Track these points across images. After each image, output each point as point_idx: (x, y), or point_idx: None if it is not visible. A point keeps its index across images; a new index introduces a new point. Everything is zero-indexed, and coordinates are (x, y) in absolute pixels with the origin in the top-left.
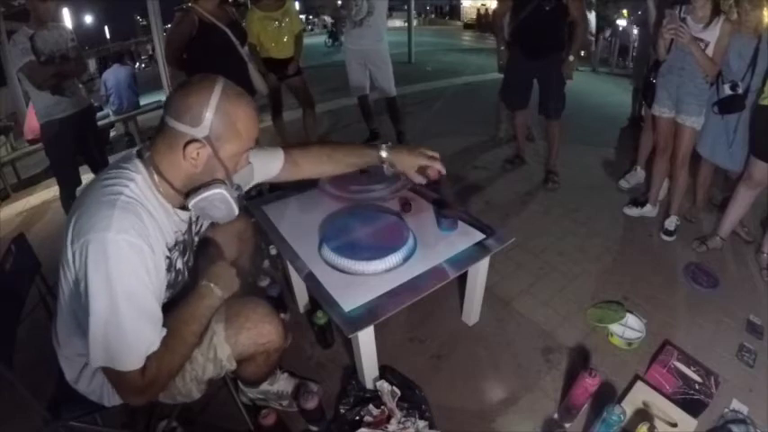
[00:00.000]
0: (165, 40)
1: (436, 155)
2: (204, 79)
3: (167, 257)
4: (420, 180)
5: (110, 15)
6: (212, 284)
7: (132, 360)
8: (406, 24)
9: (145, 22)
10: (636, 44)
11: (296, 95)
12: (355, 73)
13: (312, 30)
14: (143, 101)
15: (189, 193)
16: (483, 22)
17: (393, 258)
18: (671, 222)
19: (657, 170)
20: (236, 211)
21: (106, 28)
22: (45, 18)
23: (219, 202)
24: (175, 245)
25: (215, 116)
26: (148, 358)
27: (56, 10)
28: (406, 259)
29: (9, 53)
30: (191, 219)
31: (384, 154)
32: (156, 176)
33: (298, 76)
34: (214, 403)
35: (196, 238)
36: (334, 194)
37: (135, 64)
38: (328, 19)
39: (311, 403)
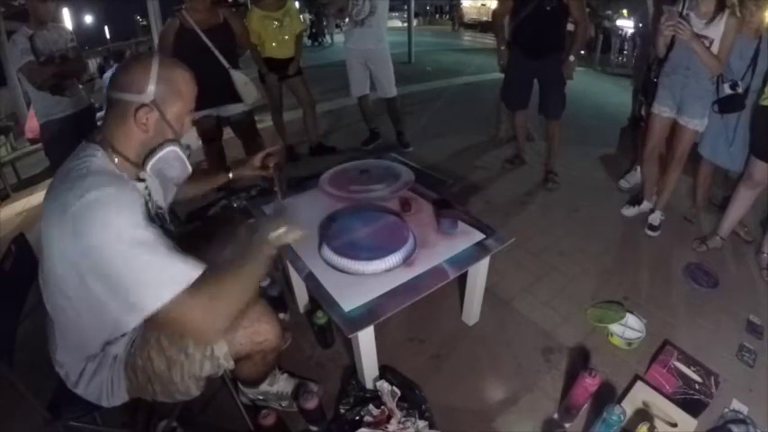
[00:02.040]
0: (158, 43)
1: (265, 151)
2: (141, 54)
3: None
4: (262, 173)
5: (110, 15)
6: (264, 229)
7: (172, 288)
8: (405, 24)
9: (145, 22)
10: (624, 40)
11: (296, 95)
12: (356, 73)
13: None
14: None
15: (145, 158)
16: (484, 22)
17: (393, 258)
18: (655, 218)
19: (648, 167)
20: (189, 169)
21: (106, 28)
22: (45, 18)
23: (174, 159)
24: (146, 202)
25: (158, 81)
26: (195, 288)
27: (56, 10)
28: (405, 259)
29: (9, 53)
30: (147, 193)
31: (230, 174)
32: (111, 153)
33: (298, 76)
34: (214, 403)
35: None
36: (334, 194)
37: None
38: (308, 16)
39: (311, 403)
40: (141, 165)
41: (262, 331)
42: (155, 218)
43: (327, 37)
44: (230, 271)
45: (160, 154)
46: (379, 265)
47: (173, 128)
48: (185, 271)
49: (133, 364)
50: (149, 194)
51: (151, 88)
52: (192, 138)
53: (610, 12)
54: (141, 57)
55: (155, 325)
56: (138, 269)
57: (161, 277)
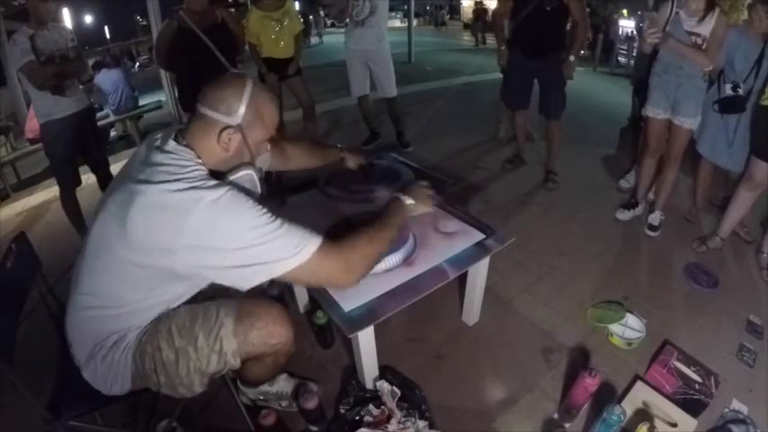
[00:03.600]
0: (155, 44)
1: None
2: (237, 76)
3: None
4: (355, 168)
5: (110, 15)
6: (404, 196)
7: (304, 247)
8: (403, 24)
9: (145, 22)
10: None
11: (296, 95)
12: (356, 73)
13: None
14: (143, 101)
15: (223, 173)
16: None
17: (393, 258)
18: (655, 218)
19: (646, 170)
20: (260, 190)
21: (106, 28)
22: (45, 18)
23: (248, 182)
24: None
25: (247, 107)
26: (334, 244)
27: (56, 10)
28: (405, 259)
29: (9, 53)
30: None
31: (342, 154)
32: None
33: (298, 76)
34: (214, 403)
35: None
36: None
37: (135, 64)
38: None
39: (311, 403)
40: (221, 176)
41: (276, 333)
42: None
43: (317, 37)
44: (366, 232)
45: (237, 176)
46: (379, 265)
47: (251, 152)
48: (309, 240)
49: (142, 351)
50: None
51: (241, 112)
52: (266, 159)
53: (610, 12)
54: (236, 78)
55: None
56: (274, 244)
57: (286, 249)
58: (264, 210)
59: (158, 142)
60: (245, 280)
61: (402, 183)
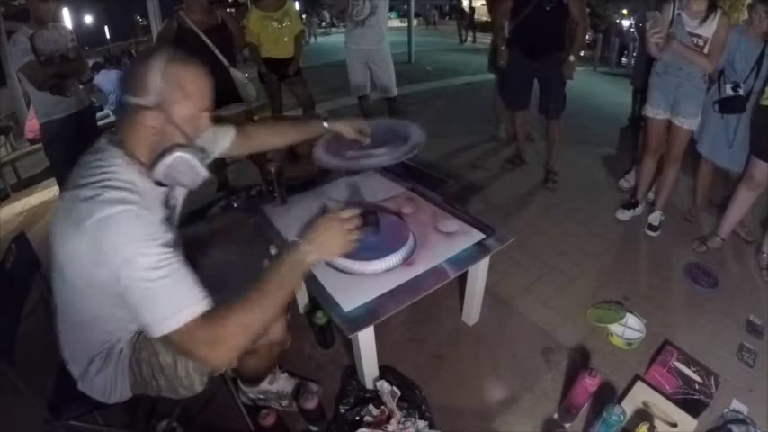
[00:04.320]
0: (155, 44)
1: (367, 132)
2: (148, 51)
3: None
4: (355, 136)
5: (110, 15)
6: (302, 241)
7: (177, 319)
8: (402, 24)
9: (145, 22)
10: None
11: (296, 95)
12: (356, 73)
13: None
14: None
15: (152, 164)
16: (483, 22)
17: (393, 258)
18: (655, 217)
19: (646, 170)
20: (203, 173)
21: (106, 28)
22: (45, 18)
23: (182, 165)
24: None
25: (161, 82)
26: (203, 321)
27: (56, 10)
28: (405, 259)
29: (9, 53)
30: (166, 195)
31: (326, 124)
32: (127, 157)
33: (298, 76)
34: (214, 403)
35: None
36: (330, 163)
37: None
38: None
39: (311, 403)
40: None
41: None
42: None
43: (312, 37)
44: (247, 299)
45: (166, 160)
46: (379, 265)
47: (183, 132)
48: (192, 302)
49: (138, 358)
50: (167, 197)
51: (154, 90)
52: (210, 139)
53: (611, 13)
54: (144, 55)
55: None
56: (145, 295)
57: (168, 306)
58: (160, 244)
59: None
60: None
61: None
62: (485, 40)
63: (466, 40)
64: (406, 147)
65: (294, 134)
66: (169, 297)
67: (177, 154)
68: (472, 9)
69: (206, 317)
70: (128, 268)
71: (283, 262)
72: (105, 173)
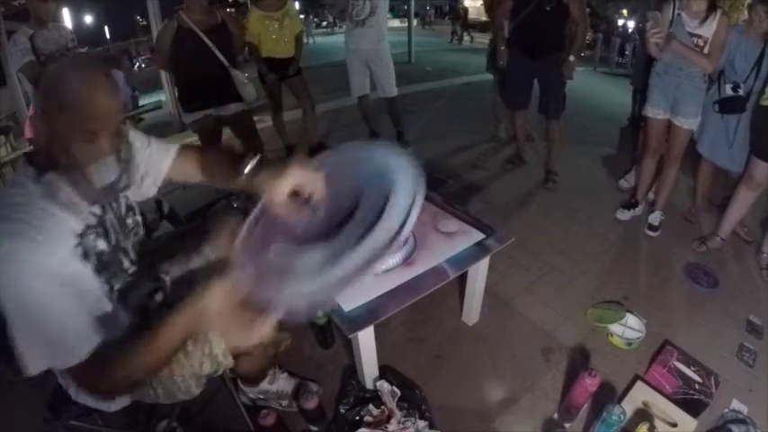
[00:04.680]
0: (155, 44)
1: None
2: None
3: (78, 245)
4: (288, 213)
5: (110, 15)
6: (202, 303)
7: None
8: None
9: (145, 22)
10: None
11: (296, 95)
12: (356, 73)
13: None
14: (143, 101)
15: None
16: (483, 22)
17: (393, 258)
18: (655, 217)
19: (646, 170)
20: (91, 209)
21: (106, 28)
22: (45, 18)
23: (59, 191)
24: (86, 229)
25: (45, 85)
26: (87, 361)
27: (56, 10)
28: (405, 259)
29: (9, 53)
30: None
31: (248, 168)
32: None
33: (298, 75)
34: (214, 403)
35: (128, 218)
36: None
37: (135, 64)
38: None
39: (311, 403)
40: None
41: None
42: (108, 229)
43: (309, 38)
44: (135, 351)
45: (46, 179)
46: (379, 264)
47: (68, 151)
48: (71, 352)
49: None
50: (101, 218)
51: (39, 99)
52: (152, 157)
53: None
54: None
55: None
56: (29, 332)
57: (48, 346)
58: (47, 286)
59: None
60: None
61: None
62: (481, 39)
63: (461, 40)
64: (371, 245)
65: (219, 178)
66: (58, 335)
67: (51, 175)
68: (464, 9)
69: (90, 363)
70: (14, 303)
71: (182, 316)
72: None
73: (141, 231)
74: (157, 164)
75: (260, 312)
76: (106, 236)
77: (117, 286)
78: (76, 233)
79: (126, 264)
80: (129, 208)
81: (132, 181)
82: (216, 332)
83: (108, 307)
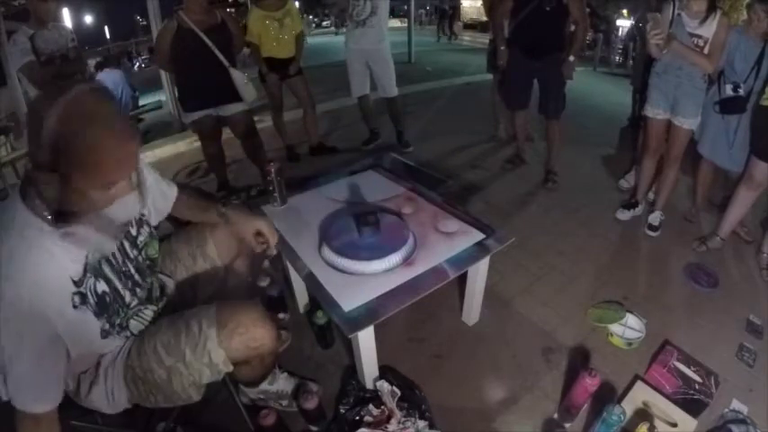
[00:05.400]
0: (155, 44)
1: (272, 233)
2: (44, 99)
3: (75, 293)
4: (252, 241)
5: (110, 15)
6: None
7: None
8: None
9: (145, 22)
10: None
11: (296, 95)
12: (356, 73)
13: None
14: (143, 101)
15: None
16: (484, 22)
17: (393, 258)
18: (655, 217)
19: (646, 170)
20: (107, 246)
21: (106, 28)
22: (45, 18)
23: (90, 236)
24: (85, 274)
25: (52, 141)
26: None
27: (56, 10)
28: (405, 259)
29: (9, 53)
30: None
31: (222, 212)
32: (37, 201)
33: (298, 75)
34: (214, 403)
35: (140, 235)
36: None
37: (135, 64)
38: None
39: (311, 403)
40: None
41: (257, 336)
42: (114, 266)
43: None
44: None
45: (69, 230)
46: (379, 265)
47: (85, 198)
48: (28, 400)
49: (133, 376)
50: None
51: (46, 151)
52: (126, 209)
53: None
54: (40, 103)
55: None
56: (9, 363)
57: (23, 386)
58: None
59: None
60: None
61: None
62: (467, 37)
63: (450, 38)
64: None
65: (193, 215)
66: (28, 380)
67: (70, 228)
68: (453, 8)
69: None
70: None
71: None
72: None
73: (153, 240)
74: (162, 205)
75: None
76: (110, 273)
77: (118, 322)
78: (74, 280)
79: (128, 298)
80: (143, 222)
81: (145, 204)
82: (215, 341)
83: (108, 342)
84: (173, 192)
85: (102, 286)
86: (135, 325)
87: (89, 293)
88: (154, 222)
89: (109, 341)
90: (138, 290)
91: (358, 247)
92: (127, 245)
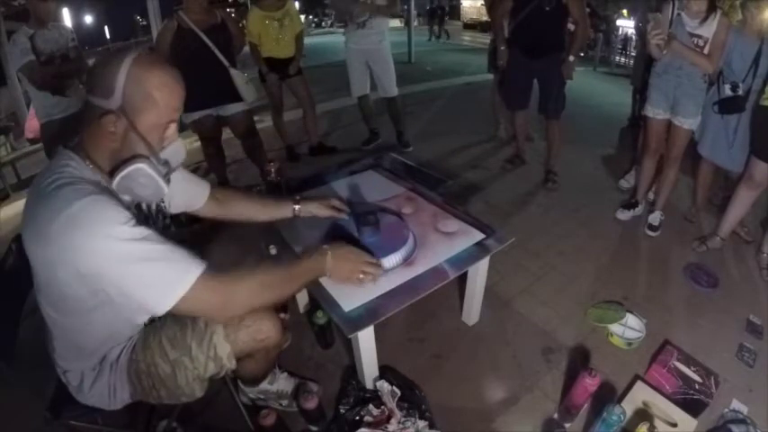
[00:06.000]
0: (155, 44)
1: (344, 207)
2: (118, 50)
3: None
4: (330, 213)
5: (110, 15)
6: (329, 253)
7: (176, 289)
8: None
9: (145, 22)
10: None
11: (296, 95)
12: (357, 73)
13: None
14: None
15: (112, 172)
16: (484, 22)
17: (393, 258)
18: (655, 218)
19: (646, 170)
20: (164, 188)
21: (106, 28)
22: (45, 18)
23: (143, 177)
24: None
25: (126, 84)
26: (209, 278)
27: (56, 10)
28: (405, 259)
29: (9, 53)
30: (145, 208)
31: (297, 207)
32: (87, 161)
33: (298, 75)
34: (214, 403)
35: (158, 220)
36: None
37: None
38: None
39: (311, 403)
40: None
41: (264, 329)
42: (151, 217)
43: None
44: (265, 274)
45: (124, 171)
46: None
47: (145, 140)
48: (188, 268)
49: (137, 370)
50: (150, 208)
51: (118, 92)
52: (176, 152)
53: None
54: (117, 52)
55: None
56: (137, 275)
57: (164, 279)
58: (134, 224)
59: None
60: (134, 309)
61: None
62: (466, 37)
63: (439, 37)
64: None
65: (262, 214)
66: (163, 270)
67: (137, 165)
68: (442, 8)
69: (215, 277)
70: (108, 258)
71: (310, 262)
72: (56, 177)
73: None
74: (186, 198)
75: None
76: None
77: None
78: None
79: None
80: (160, 210)
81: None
82: (221, 335)
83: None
84: (205, 189)
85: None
86: None
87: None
88: (173, 211)
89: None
90: None
91: (358, 247)
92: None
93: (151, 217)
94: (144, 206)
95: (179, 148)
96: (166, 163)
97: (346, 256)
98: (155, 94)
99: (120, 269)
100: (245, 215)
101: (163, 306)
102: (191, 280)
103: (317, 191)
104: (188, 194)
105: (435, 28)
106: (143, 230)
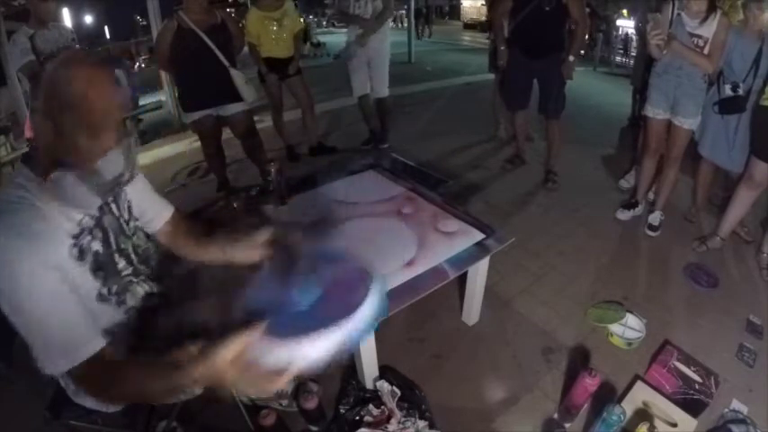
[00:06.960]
0: (155, 44)
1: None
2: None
3: (74, 245)
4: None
5: (110, 15)
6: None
7: (66, 361)
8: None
9: (145, 22)
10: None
11: (295, 95)
12: (357, 73)
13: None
14: (143, 101)
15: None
16: (484, 22)
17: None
18: (655, 218)
19: (646, 170)
20: (93, 201)
21: (106, 28)
22: (45, 18)
23: (69, 186)
24: (81, 231)
25: (46, 86)
26: (94, 361)
27: (56, 9)
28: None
29: (9, 53)
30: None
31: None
32: (27, 167)
33: (298, 75)
34: (214, 403)
35: (126, 222)
36: None
37: (135, 64)
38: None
39: (311, 403)
40: None
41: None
42: (108, 231)
43: None
44: (145, 368)
45: (52, 176)
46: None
47: (74, 147)
48: (80, 344)
49: None
50: (109, 200)
51: (42, 93)
52: (116, 162)
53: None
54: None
55: None
56: (34, 330)
57: (62, 344)
58: (51, 273)
59: None
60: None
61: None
62: (466, 37)
63: (420, 36)
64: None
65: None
66: (62, 334)
67: (59, 173)
68: (428, 8)
69: (105, 357)
70: (9, 298)
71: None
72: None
73: (143, 235)
74: (148, 215)
75: (277, 368)
76: (103, 238)
77: (114, 289)
78: (72, 234)
79: (121, 265)
80: (131, 211)
81: (135, 174)
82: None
83: (106, 309)
84: (166, 209)
85: (95, 245)
86: (130, 297)
87: (87, 251)
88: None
89: (105, 307)
90: (129, 262)
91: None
92: (111, 219)
93: (118, 225)
94: (109, 213)
95: (119, 157)
96: (97, 173)
97: (229, 366)
98: (71, 97)
99: (18, 320)
100: (200, 256)
101: (47, 368)
102: (74, 361)
103: (317, 191)
104: (145, 214)
105: (420, 28)
106: (57, 288)
